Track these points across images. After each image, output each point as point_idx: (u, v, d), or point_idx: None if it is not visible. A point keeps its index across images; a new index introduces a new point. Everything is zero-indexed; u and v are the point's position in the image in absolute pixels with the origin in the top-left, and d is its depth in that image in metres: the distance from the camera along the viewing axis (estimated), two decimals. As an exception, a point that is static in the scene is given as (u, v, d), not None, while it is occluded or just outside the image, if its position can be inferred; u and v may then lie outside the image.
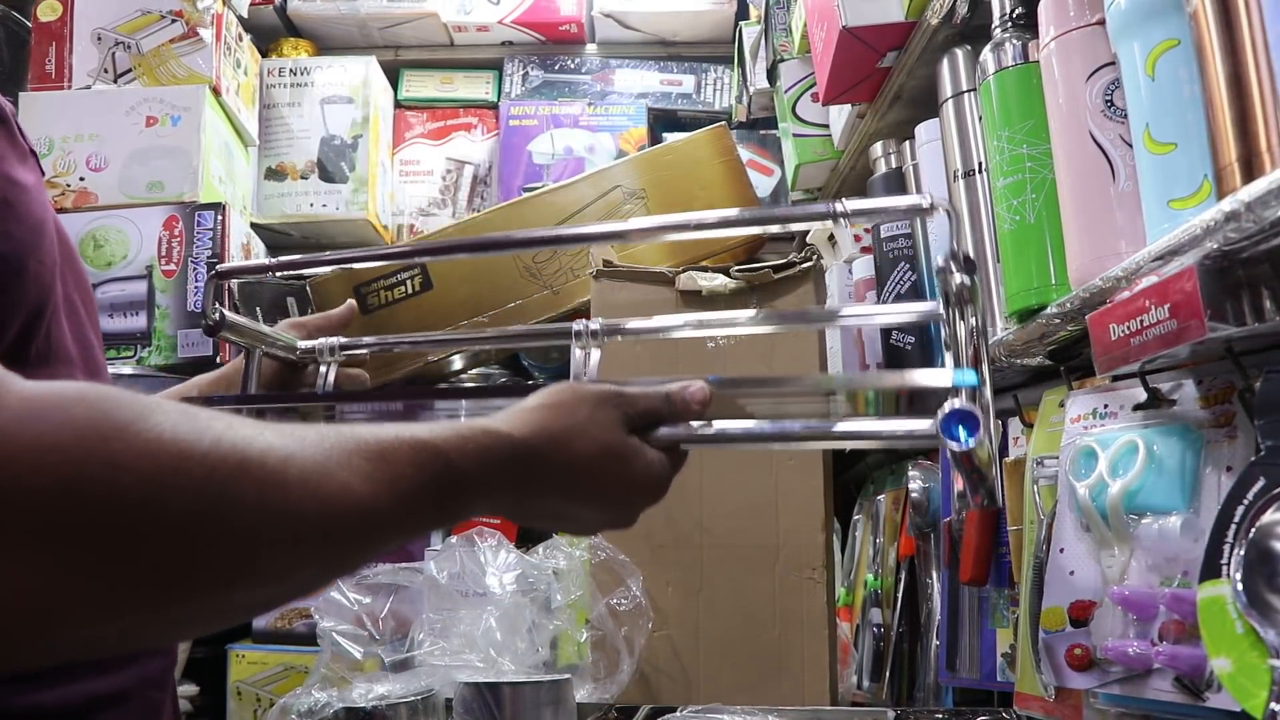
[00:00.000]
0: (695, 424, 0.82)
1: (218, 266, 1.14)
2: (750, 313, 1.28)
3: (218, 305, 1.07)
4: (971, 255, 0.87)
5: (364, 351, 1.20)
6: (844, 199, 0.86)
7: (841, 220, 0.85)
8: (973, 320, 0.81)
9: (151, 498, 0.46)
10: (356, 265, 2.04)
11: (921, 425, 0.75)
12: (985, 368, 0.81)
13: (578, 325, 1.04)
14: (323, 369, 1.17)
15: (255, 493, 0.50)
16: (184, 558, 0.48)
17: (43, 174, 0.84)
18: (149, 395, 0.51)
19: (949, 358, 0.81)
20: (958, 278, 0.81)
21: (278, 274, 1.85)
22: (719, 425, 0.82)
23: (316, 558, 0.56)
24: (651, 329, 1.08)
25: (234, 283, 1.95)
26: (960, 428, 0.72)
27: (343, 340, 1.18)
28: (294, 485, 0.52)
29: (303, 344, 1.18)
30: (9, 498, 0.43)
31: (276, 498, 0.51)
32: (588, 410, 0.76)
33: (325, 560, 0.57)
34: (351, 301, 1.31)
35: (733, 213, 0.96)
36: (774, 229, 1.75)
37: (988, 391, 0.80)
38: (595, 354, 1.04)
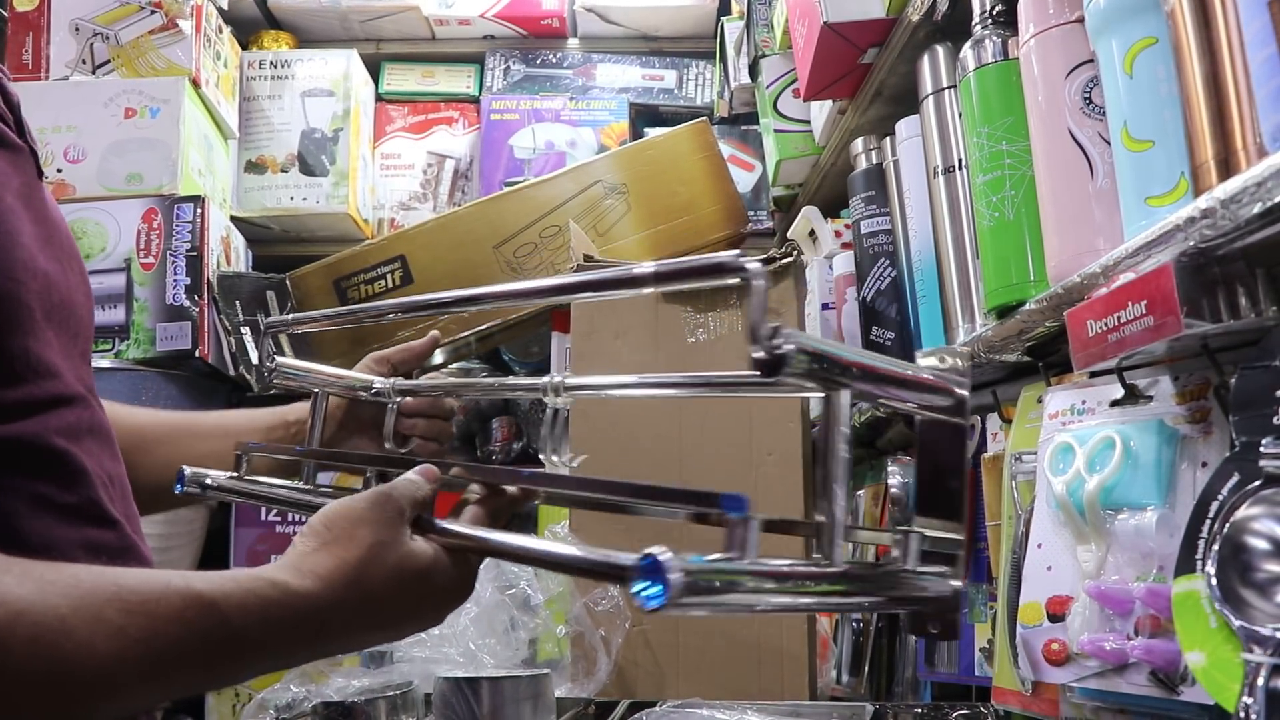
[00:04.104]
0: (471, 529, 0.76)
1: (265, 320, 1.11)
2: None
3: (271, 354, 1.06)
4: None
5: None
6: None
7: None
8: None
9: None
10: (329, 259, 2.04)
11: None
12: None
13: (544, 380, 1.02)
14: (389, 414, 1.15)
15: None
16: None
17: (41, 174, 0.82)
18: None
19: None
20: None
21: (269, 278, 1.86)
22: (497, 536, 0.75)
23: (47, 717, 0.54)
24: (616, 385, 1.04)
25: (213, 277, 1.94)
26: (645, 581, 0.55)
27: (400, 384, 1.15)
28: (19, 647, 0.51)
29: (380, 383, 1.15)
30: None
31: None
32: (369, 531, 0.70)
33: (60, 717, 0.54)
34: (436, 333, 1.26)
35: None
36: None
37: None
38: (566, 403, 1.01)
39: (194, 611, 0.59)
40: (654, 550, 0.55)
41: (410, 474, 0.77)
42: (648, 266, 0.74)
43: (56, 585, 0.53)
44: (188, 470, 0.99)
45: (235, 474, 1.01)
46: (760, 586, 0.59)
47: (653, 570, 0.55)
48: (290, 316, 1.18)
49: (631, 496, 0.75)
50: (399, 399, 1.16)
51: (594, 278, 0.78)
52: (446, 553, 0.73)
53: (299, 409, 1.14)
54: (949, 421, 0.69)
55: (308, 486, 0.98)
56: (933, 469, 0.72)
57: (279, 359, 1.07)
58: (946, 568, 0.67)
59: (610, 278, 0.76)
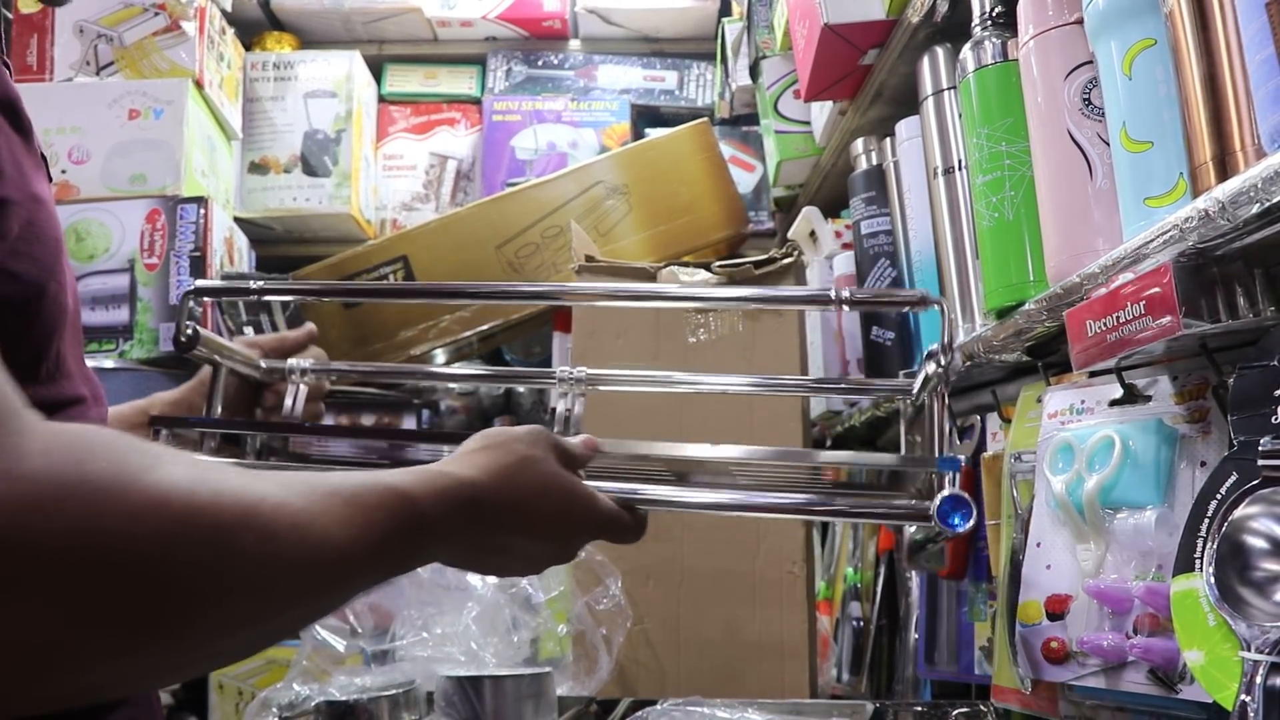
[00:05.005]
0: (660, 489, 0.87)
1: (195, 283, 1.13)
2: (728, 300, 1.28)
3: (191, 322, 1.06)
4: (951, 345, 0.90)
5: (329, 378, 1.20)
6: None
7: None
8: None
9: (163, 550, 0.47)
10: (331, 259, 2.04)
11: (919, 507, 0.81)
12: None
13: (561, 371, 1.06)
14: (290, 390, 1.16)
15: (254, 542, 0.51)
16: (189, 604, 0.48)
17: (50, 180, 0.83)
18: (152, 443, 0.51)
19: (918, 442, 0.89)
20: (938, 366, 0.88)
21: (257, 285, 1.86)
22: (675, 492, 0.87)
23: (299, 603, 0.57)
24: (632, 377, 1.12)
25: (216, 278, 1.95)
26: (956, 514, 0.78)
27: (311, 364, 1.17)
28: (284, 534, 0.53)
29: (265, 363, 1.16)
30: (30, 545, 0.43)
31: (270, 547, 0.52)
32: (523, 448, 0.78)
33: (306, 605, 0.58)
34: (311, 326, 1.27)
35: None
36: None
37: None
38: (579, 405, 1.05)
39: (392, 499, 0.63)
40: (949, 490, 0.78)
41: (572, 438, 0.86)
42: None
43: (293, 484, 0.56)
44: None
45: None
46: None
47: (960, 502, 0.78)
48: (219, 283, 1.22)
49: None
50: (304, 380, 1.16)
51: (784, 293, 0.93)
52: (598, 496, 0.82)
53: (162, 396, 1.16)
54: None
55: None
56: None
57: (199, 329, 1.07)
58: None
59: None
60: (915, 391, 0.94)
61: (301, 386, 1.16)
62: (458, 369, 1.31)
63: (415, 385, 2.16)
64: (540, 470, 0.77)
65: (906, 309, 0.94)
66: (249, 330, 1.94)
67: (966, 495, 0.79)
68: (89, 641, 0.45)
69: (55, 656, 0.44)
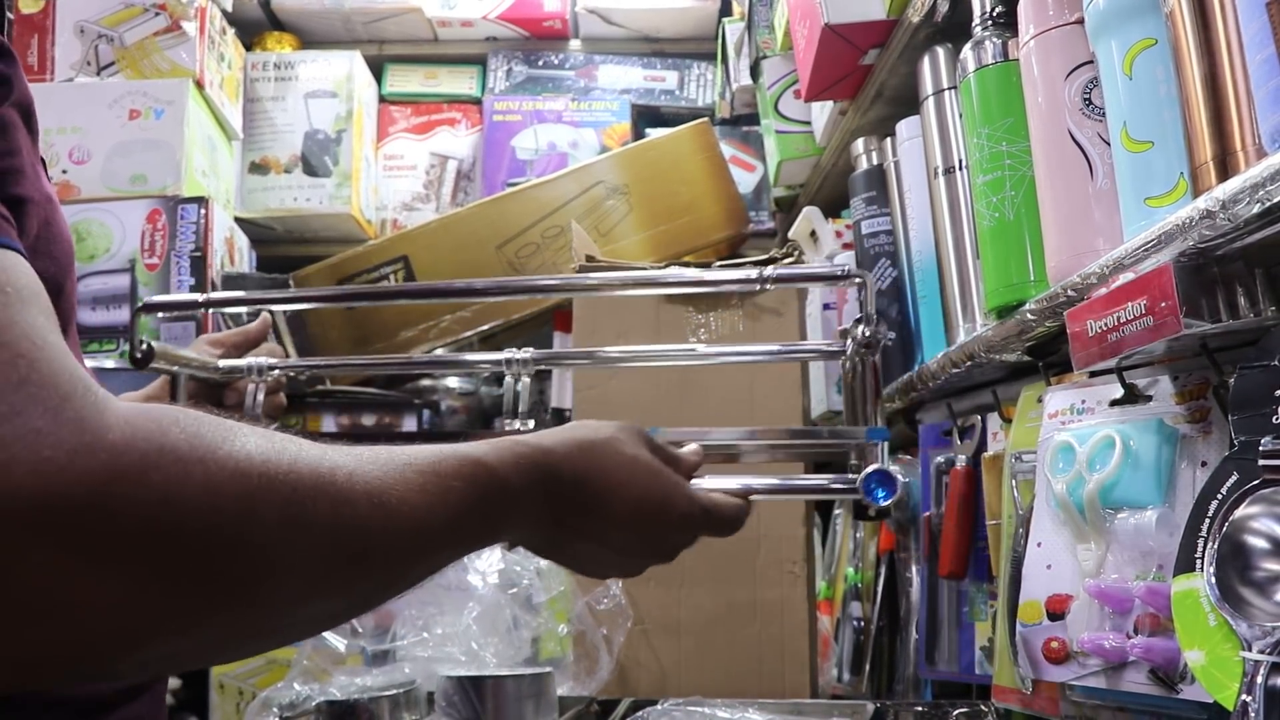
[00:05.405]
0: None
1: (145, 300, 1.16)
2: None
3: (144, 338, 1.09)
4: (875, 317, 0.94)
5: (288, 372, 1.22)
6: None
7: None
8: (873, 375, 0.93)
9: (242, 518, 0.48)
10: (332, 259, 2.05)
11: (847, 483, 0.85)
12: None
13: (508, 354, 1.09)
14: (250, 389, 1.18)
15: (330, 510, 0.52)
16: (267, 574, 0.49)
17: (50, 181, 0.83)
18: (224, 418, 0.52)
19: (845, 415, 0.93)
20: (864, 331, 0.92)
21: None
22: None
23: (380, 572, 0.57)
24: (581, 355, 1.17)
25: (217, 277, 1.95)
26: (880, 488, 0.82)
27: (270, 361, 1.19)
28: (360, 501, 0.54)
29: (224, 363, 1.18)
30: (115, 515, 0.44)
31: (347, 514, 0.53)
32: (610, 430, 0.77)
33: (386, 575, 0.58)
34: (266, 316, 1.30)
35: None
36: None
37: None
38: (525, 381, 1.08)
39: (470, 468, 0.63)
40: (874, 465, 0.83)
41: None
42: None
43: (365, 455, 0.56)
44: None
45: None
46: None
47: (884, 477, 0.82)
48: (167, 298, 1.26)
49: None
50: (263, 379, 1.19)
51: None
52: (691, 486, 0.80)
53: (129, 397, 1.17)
54: None
55: None
56: None
57: (152, 344, 1.10)
58: None
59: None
60: (845, 359, 0.96)
61: (261, 385, 1.19)
62: (409, 357, 1.32)
63: (385, 377, 2.15)
64: (625, 451, 0.76)
65: (831, 284, 1.04)
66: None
67: (893, 470, 0.82)
68: (172, 609, 0.46)
69: (139, 623, 0.45)
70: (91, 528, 0.43)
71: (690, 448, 0.85)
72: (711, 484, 0.84)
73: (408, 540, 0.57)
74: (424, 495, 0.58)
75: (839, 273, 0.97)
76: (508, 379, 1.09)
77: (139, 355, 1.09)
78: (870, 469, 0.82)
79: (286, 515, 0.50)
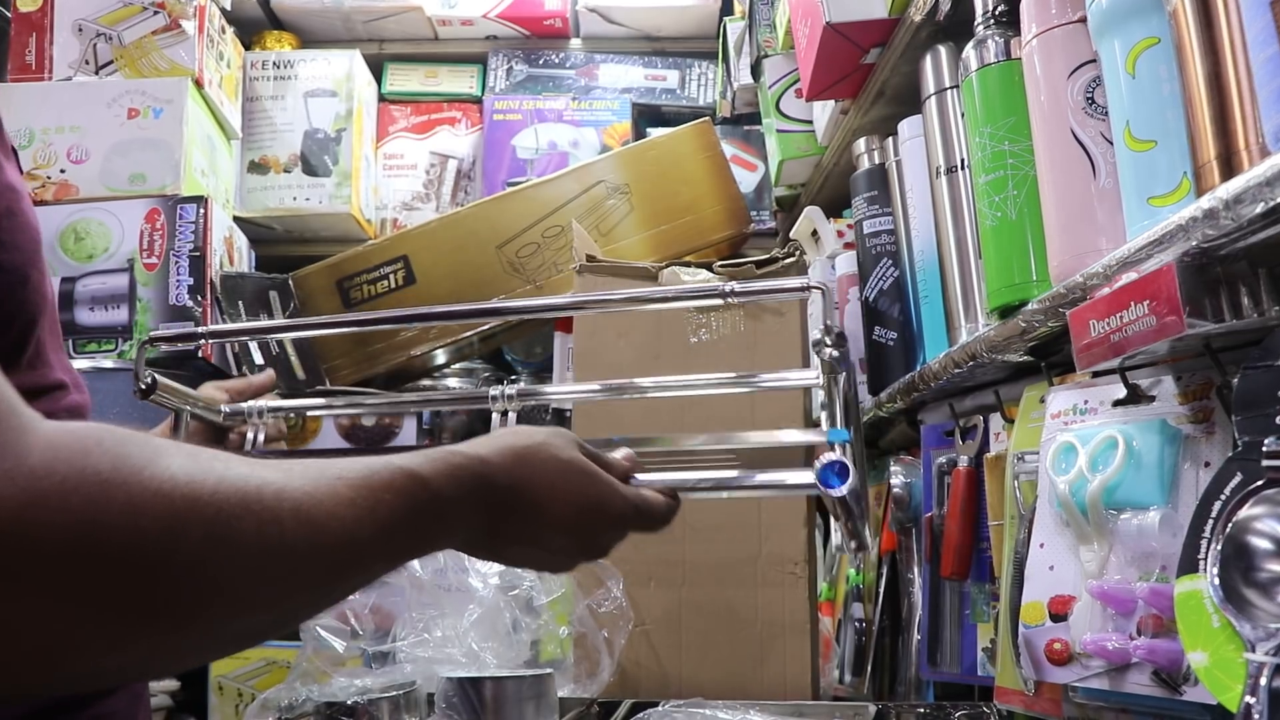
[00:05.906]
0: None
1: (151, 334, 1.17)
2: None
3: (149, 370, 1.12)
4: (841, 330, 0.96)
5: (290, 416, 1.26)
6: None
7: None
8: (845, 386, 0.94)
9: (166, 539, 0.47)
10: (331, 259, 2.04)
11: (803, 477, 0.86)
12: (857, 425, 0.95)
13: (494, 390, 1.11)
14: (250, 433, 1.21)
15: (255, 529, 0.52)
16: (192, 594, 0.49)
17: (21, 171, 0.83)
18: (151, 435, 0.52)
19: (824, 417, 0.93)
20: (830, 351, 0.93)
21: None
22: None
23: (308, 587, 0.57)
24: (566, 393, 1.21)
25: (216, 277, 1.95)
26: (835, 477, 0.83)
27: (271, 404, 1.22)
28: (288, 518, 0.53)
29: (227, 408, 1.22)
30: (34, 540, 0.44)
31: (273, 532, 0.53)
32: (542, 436, 0.78)
33: (315, 590, 0.58)
34: (271, 372, 1.35)
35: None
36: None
37: (858, 445, 0.93)
38: (512, 418, 1.10)
39: (401, 480, 0.63)
40: (829, 456, 0.84)
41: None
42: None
43: (295, 469, 0.56)
44: None
45: None
46: None
47: (840, 467, 0.83)
48: (173, 330, 1.31)
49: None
50: (264, 421, 1.22)
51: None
52: (622, 485, 0.81)
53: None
54: None
55: None
56: None
57: (157, 377, 1.13)
58: None
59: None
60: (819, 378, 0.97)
61: (261, 427, 1.22)
62: (398, 398, 1.34)
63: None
64: (557, 455, 0.77)
65: (792, 295, 1.07)
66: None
67: (846, 460, 0.84)
68: (95, 632, 0.46)
69: (62, 647, 0.45)
70: (12, 553, 0.43)
71: (622, 452, 0.86)
72: (647, 478, 0.86)
73: (336, 555, 0.57)
74: (353, 509, 0.58)
75: (800, 285, 0.99)
76: (495, 418, 1.10)
77: (143, 386, 1.11)
78: (826, 459, 0.84)
79: (211, 535, 0.49)
